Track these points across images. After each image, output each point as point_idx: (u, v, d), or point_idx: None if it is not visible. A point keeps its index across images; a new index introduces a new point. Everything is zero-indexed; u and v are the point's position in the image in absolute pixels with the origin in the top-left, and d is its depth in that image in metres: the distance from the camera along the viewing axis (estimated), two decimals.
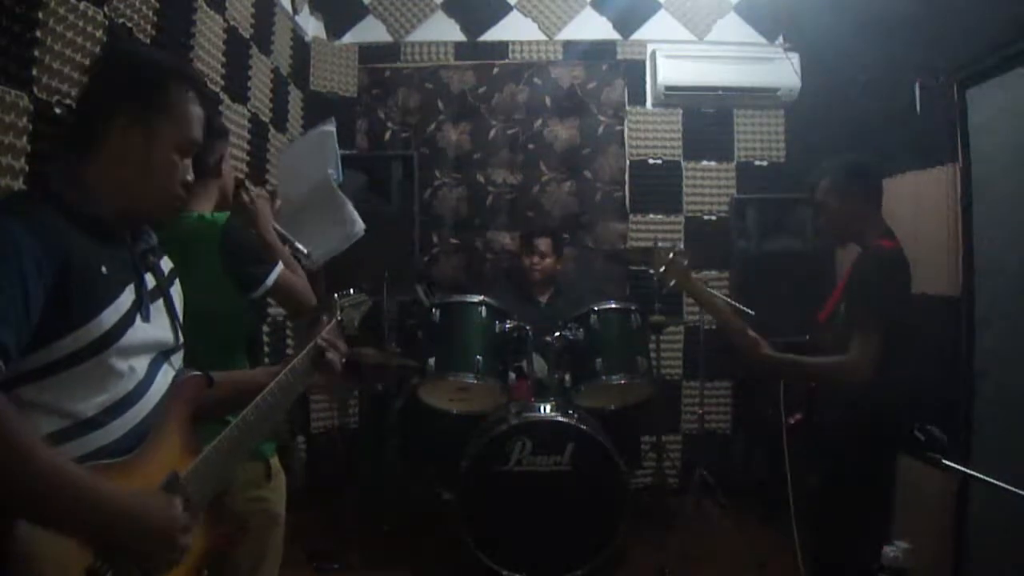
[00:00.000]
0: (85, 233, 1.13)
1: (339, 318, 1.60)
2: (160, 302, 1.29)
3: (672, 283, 2.39)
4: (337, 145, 3.09)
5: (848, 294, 2.33)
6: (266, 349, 3.41)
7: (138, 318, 1.20)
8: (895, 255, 2.31)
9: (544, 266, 3.85)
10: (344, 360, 1.51)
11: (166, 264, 1.36)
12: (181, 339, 1.33)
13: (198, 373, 1.35)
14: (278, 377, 1.39)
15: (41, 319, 1.04)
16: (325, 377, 1.49)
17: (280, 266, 1.88)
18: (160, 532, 1.10)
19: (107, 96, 1.20)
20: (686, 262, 2.39)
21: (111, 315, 1.14)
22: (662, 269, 2.38)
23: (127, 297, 1.18)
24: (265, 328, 3.46)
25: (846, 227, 2.44)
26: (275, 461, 1.93)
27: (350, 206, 3.08)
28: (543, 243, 3.87)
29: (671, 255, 2.37)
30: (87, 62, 2.00)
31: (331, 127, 3.24)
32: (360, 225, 3.17)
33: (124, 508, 1.06)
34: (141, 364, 1.21)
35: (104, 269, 1.14)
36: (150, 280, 1.27)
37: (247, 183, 2.08)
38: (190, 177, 1.27)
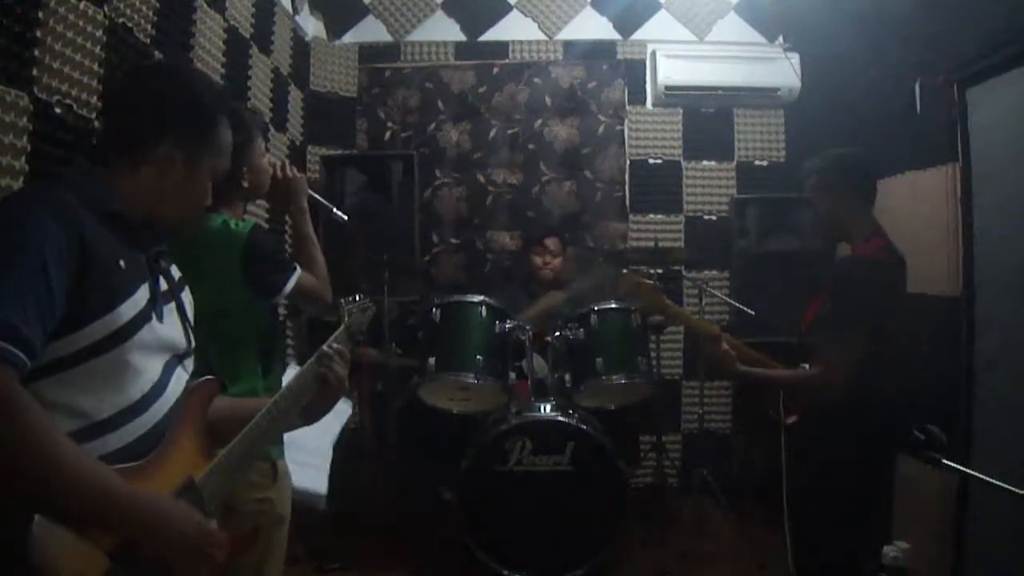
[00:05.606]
0: (106, 228, 1.13)
1: (347, 323, 1.60)
2: (172, 305, 1.30)
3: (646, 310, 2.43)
4: None
5: (830, 303, 2.29)
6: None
7: (153, 317, 1.20)
8: (875, 262, 2.23)
9: (555, 265, 3.90)
10: (348, 369, 1.48)
11: (175, 271, 1.37)
12: (193, 344, 1.33)
13: (211, 377, 1.35)
14: (288, 382, 1.39)
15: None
16: (330, 385, 1.44)
17: (298, 272, 1.92)
18: (186, 538, 1.09)
19: (160, 120, 1.24)
20: (653, 283, 2.42)
21: (129, 308, 1.13)
22: (626, 295, 2.41)
23: (143, 294, 1.18)
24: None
25: (835, 226, 2.36)
26: (282, 463, 1.92)
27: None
28: (552, 242, 3.93)
29: (637, 283, 2.40)
30: (87, 62, 2.00)
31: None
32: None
33: (152, 511, 1.06)
34: (156, 365, 1.21)
35: (122, 263, 1.14)
36: (162, 283, 1.28)
37: (287, 162, 2.10)
38: (210, 199, 1.35)
